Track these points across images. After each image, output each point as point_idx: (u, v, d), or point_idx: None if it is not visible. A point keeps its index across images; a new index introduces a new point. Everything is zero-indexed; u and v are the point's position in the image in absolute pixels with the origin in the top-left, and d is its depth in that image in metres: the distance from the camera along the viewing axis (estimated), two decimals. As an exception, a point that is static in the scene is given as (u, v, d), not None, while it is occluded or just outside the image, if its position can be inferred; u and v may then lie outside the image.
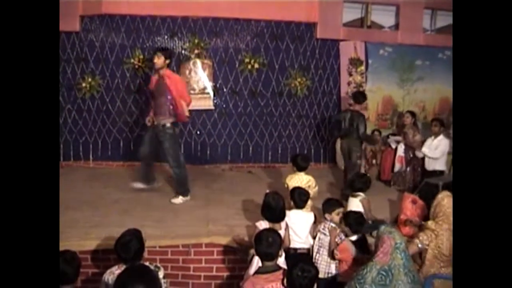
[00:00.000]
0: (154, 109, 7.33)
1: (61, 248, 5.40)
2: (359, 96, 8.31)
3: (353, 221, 5.22)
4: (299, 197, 5.51)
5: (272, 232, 4.21)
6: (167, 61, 7.24)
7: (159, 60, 7.12)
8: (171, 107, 7.15)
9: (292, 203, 5.51)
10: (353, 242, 5.09)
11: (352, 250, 5.03)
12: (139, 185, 7.61)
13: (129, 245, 4.12)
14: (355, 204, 6.00)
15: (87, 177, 8.76)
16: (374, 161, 9.57)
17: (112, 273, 4.15)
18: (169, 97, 7.10)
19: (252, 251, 4.84)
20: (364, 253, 5.04)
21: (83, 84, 9.49)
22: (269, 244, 3.98)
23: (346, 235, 5.18)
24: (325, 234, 5.26)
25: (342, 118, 8.14)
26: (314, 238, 5.43)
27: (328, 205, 5.47)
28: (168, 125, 7.18)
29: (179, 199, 7.35)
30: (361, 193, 6.14)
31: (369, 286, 3.91)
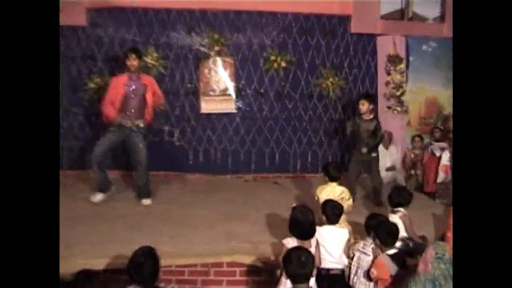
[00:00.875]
0: (124, 111, 7.66)
1: (64, 267, 5.45)
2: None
3: (384, 233, 5.16)
4: (332, 211, 5.49)
5: (304, 250, 4.20)
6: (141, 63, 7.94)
7: (134, 62, 7.64)
8: (145, 109, 7.79)
9: (323, 218, 5.48)
10: (391, 257, 5.04)
11: (389, 266, 4.98)
12: (100, 196, 7.90)
13: (143, 266, 4.14)
14: (395, 221, 5.88)
15: (94, 188, 8.76)
16: (413, 172, 9.49)
17: (124, 296, 4.17)
18: (145, 100, 7.74)
19: (279, 271, 4.82)
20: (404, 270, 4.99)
21: (90, 85, 9.54)
22: (301, 264, 3.98)
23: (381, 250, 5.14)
24: (365, 254, 5.21)
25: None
26: (348, 257, 5.40)
27: (370, 222, 5.44)
28: (142, 125, 7.76)
29: (149, 200, 7.93)
30: (401, 209, 6.07)
31: None
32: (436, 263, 4.00)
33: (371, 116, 8.36)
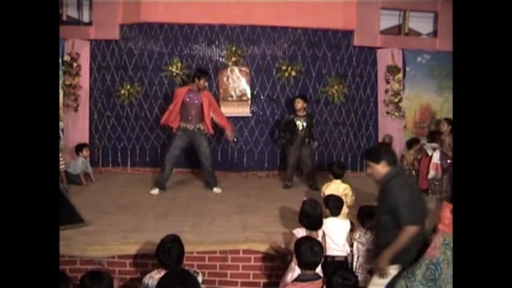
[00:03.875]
0: (186, 117, 8.20)
1: (101, 252, 5.52)
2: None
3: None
4: (334, 204, 5.50)
5: (315, 241, 4.22)
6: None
7: (205, 83, 8.28)
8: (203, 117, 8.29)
9: (327, 211, 5.49)
10: None
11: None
12: (157, 191, 8.19)
13: (171, 251, 4.25)
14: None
15: (125, 183, 8.91)
16: (413, 172, 9.45)
17: (152, 278, 4.23)
18: (204, 111, 8.23)
19: (290, 257, 4.84)
20: None
21: (122, 91, 9.63)
22: (314, 253, 4.02)
23: None
24: (362, 244, 5.23)
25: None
26: (351, 246, 5.42)
27: (361, 213, 5.46)
28: (202, 128, 8.27)
29: (219, 189, 8.46)
30: None
31: (419, 282, 3.93)
32: (443, 249, 4.02)
33: (305, 113, 8.90)
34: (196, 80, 8.16)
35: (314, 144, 9.10)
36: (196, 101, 8.17)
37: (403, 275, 4.23)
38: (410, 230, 4.31)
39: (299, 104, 8.78)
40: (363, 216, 5.46)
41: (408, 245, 4.35)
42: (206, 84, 8.37)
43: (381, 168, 4.60)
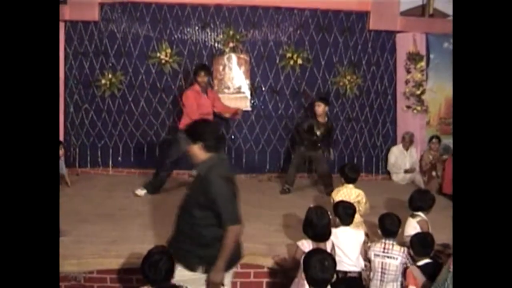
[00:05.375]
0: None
1: (77, 266, 5.51)
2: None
3: (417, 244, 5.18)
4: (345, 211, 5.47)
5: (327, 254, 4.21)
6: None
7: (205, 78, 8.31)
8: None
9: (337, 219, 5.50)
10: (420, 268, 5.05)
11: (419, 277, 4.99)
12: (143, 192, 8.32)
13: (159, 265, 4.16)
14: (412, 225, 5.84)
15: (106, 186, 8.91)
16: (434, 173, 9.45)
17: (137, 295, 4.24)
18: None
19: (295, 272, 4.86)
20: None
21: (103, 81, 9.62)
22: (325, 268, 4.00)
23: (413, 260, 5.15)
24: (392, 258, 5.17)
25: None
26: (366, 260, 5.40)
27: (393, 223, 5.44)
28: None
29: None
30: (421, 214, 5.93)
31: None
32: None
33: (326, 119, 8.83)
34: (196, 77, 8.24)
35: (330, 156, 9.01)
36: (206, 102, 8.30)
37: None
38: (236, 230, 4.47)
39: (320, 108, 8.69)
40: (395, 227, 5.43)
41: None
42: (206, 79, 8.30)
43: (197, 150, 4.49)
